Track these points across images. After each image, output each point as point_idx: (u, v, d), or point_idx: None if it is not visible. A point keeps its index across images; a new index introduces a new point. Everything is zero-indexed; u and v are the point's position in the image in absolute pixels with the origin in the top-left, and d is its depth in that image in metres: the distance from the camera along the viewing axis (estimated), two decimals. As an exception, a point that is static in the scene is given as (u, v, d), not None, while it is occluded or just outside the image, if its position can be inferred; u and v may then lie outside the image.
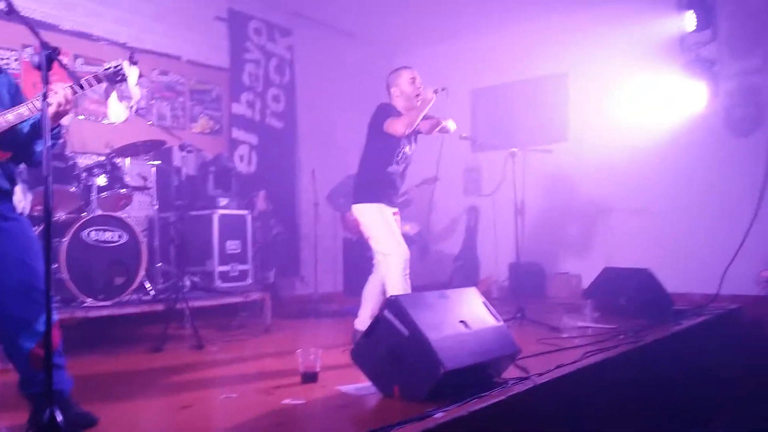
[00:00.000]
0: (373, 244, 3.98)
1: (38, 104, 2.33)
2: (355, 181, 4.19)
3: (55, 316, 2.34)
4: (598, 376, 3.26)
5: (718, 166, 6.24)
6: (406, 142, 4.03)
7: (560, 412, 2.96)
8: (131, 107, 2.56)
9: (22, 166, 2.65)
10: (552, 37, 7.31)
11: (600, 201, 7.00)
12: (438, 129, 4.19)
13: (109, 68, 2.51)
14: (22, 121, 2.35)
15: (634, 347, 3.71)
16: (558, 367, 3.09)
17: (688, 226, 6.37)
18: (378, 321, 2.73)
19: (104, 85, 2.52)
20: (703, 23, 5.22)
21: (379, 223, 3.94)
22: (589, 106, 7.15)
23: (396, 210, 4.11)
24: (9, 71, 2.66)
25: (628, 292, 4.89)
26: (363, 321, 3.98)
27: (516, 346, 2.99)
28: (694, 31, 5.27)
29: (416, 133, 4.09)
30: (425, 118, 4.01)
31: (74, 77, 2.34)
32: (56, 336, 2.34)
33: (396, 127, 3.85)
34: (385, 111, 3.99)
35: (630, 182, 6.70)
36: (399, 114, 3.99)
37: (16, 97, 2.51)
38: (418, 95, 4.01)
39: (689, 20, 5.22)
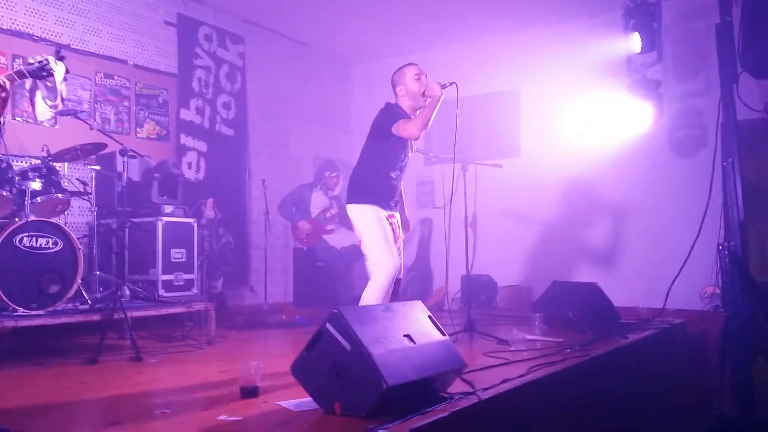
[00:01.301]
0: (364, 248, 3.77)
1: None
2: (352, 180, 3.94)
3: None
4: (543, 390, 3.25)
5: (663, 184, 6.41)
6: (408, 148, 3.88)
7: (505, 427, 2.93)
8: (56, 105, 2.43)
9: None
10: (505, 53, 7.42)
11: (550, 216, 7.09)
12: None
13: (34, 63, 2.39)
14: None
15: (579, 361, 3.72)
16: (504, 381, 3.06)
17: (636, 241, 6.51)
18: (320, 334, 2.64)
19: (29, 82, 2.40)
20: (649, 45, 5.32)
21: (374, 227, 3.73)
22: (540, 122, 7.26)
23: (393, 214, 3.91)
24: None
25: (576, 306, 4.93)
26: None
27: (462, 361, 2.95)
28: (639, 53, 5.37)
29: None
30: None
31: None
32: None
33: (411, 130, 3.66)
34: (393, 112, 3.79)
35: (579, 198, 6.82)
36: (405, 115, 3.81)
37: None
38: (424, 93, 3.81)
39: (635, 42, 5.31)
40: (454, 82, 3.76)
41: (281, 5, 6.84)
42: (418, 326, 2.90)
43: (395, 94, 3.93)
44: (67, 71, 2.58)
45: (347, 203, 3.91)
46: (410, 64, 3.96)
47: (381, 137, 3.81)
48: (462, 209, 5.23)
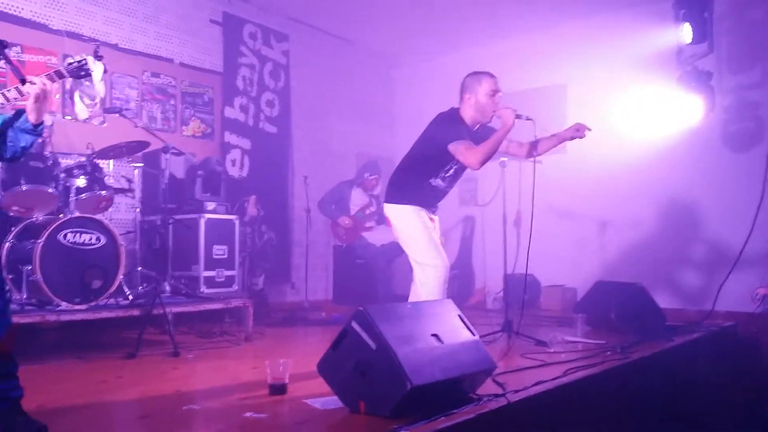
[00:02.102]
0: (407, 250, 3.62)
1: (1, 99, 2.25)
2: (391, 180, 3.80)
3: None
4: (579, 393, 3.15)
5: (714, 181, 6.14)
6: (456, 162, 3.63)
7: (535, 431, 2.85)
8: (95, 104, 2.47)
9: None
10: (551, 47, 7.25)
11: (596, 214, 6.89)
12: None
13: (72, 63, 2.43)
14: None
15: (619, 364, 3.60)
16: (537, 383, 2.98)
17: (684, 240, 6.27)
18: (345, 333, 2.63)
19: (69, 81, 2.44)
20: (700, 36, 5.13)
21: (416, 227, 3.57)
22: (588, 117, 6.99)
23: (432, 217, 3.76)
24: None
25: (619, 307, 4.77)
26: None
27: (492, 361, 2.88)
28: (690, 44, 5.17)
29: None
30: None
31: (17, 73, 2.24)
32: (9, 342, 2.24)
33: (471, 160, 3.43)
34: (455, 126, 3.56)
35: (626, 195, 6.61)
36: (465, 127, 3.60)
37: None
38: (494, 112, 3.59)
39: (686, 33, 5.12)
40: (531, 118, 3.55)
41: (325, 2, 6.86)
42: (447, 325, 2.85)
43: (461, 98, 3.71)
44: (105, 70, 2.63)
45: (385, 202, 3.79)
46: (489, 75, 3.71)
47: (433, 146, 3.61)
48: (505, 207, 5.13)
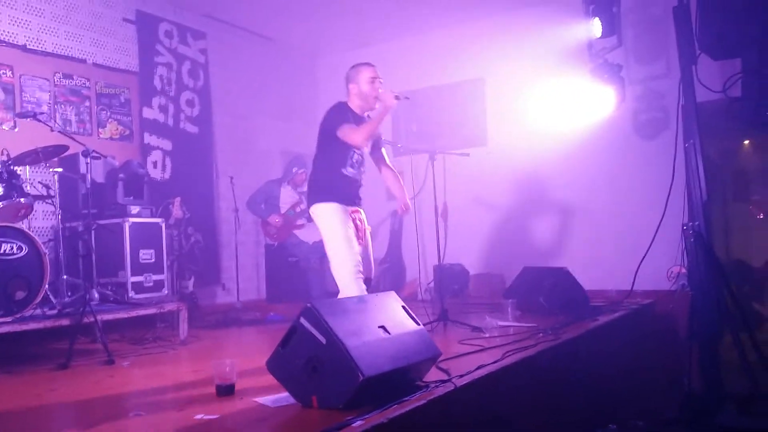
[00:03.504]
0: (327, 250, 3.74)
1: None
2: (309, 181, 3.98)
3: None
4: (518, 374, 3.29)
5: (628, 167, 6.51)
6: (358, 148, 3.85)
7: (482, 413, 2.96)
8: None
9: None
10: (468, 42, 7.45)
11: (519, 203, 7.16)
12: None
13: None
14: None
15: (552, 344, 3.77)
16: (479, 367, 3.09)
17: (604, 224, 6.61)
18: (294, 330, 2.64)
19: None
20: (609, 30, 5.37)
21: (335, 225, 3.70)
22: (506, 110, 7.31)
23: (356, 208, 3.87)
24: None
25: (547, 291, 5.00)
26: None
27: (436, 349, 2.97)
28: (600, 38, 5.43)
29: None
30: None
31: None
32: None
33: (354, 137, 3.66)
34: (340, 114, 3.77)
35: (546, 184, 6.90)
36: (353, 115, 3.79)
37: None
38: (376, 97, 3.80)
39: (596, 27, 5.37)
40: (408, 97, 3.77)
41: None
42: (393, 317, 2.91)
43: (347, 90, 3.92)
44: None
45: (309, 205, 3.90)
46: (367, 64, 3.92)
47: (328, 138, 3.82)
48: (432, 200, 5.24)
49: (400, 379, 2.74)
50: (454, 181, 6.53)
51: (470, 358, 3.44)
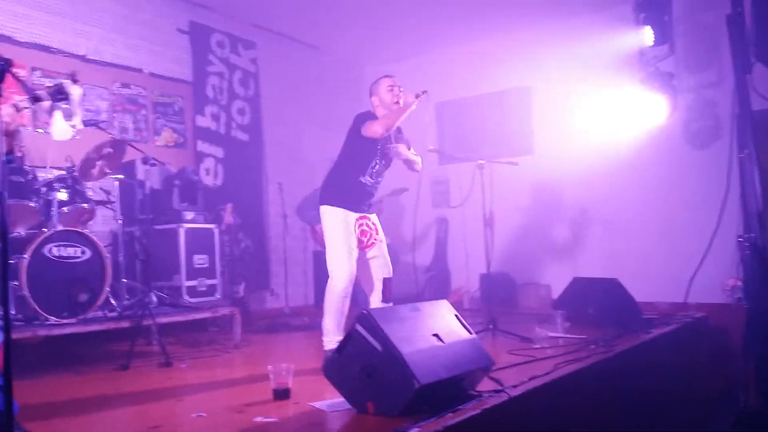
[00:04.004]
0: (326, 250, 3.84)
1: None
2: (323, 183, 4.09)
3: None
4: (571, 386, 3.28)
5: (680, 177, 6.39)
6: (380, 158, 3.95)
7: (535, 424, 2.96)
8: (75, 125, 2.49)
9: None
10: (515, 50, 7.43)
11: (567, 212, 7.10)
12: (405, 157, 4.06)
13: (51, 87, 2.46)
14: None
15: (605, 357, 3.74)
16: (532, 378, 3.10)
17: (655, 236, 6.51)
18: (350, 336, 2.69)
19: (48, 103, 2.45)
20: (661, 38, 5.32)
21: (337, 232, 3.79)
22: (553, 119, 7.27)
23: (363, 215, 3.94)
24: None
25: (597, 302, 4.94)
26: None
27: (489, 359, 2.98)
28: (652, 46, 5.37)
29: (390, 153, 3.99)
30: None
31: (27, 89, 2.27)
32: None
33: (374, 128, 3.77)
34: (365, 117, 3.91)
35: (596, 194, 6.82)
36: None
37: None
38: (397, 103, 3.91)
39: (647, 35, 5.32)
40: (425, 91, 3.82)
41: (290, 9, 6.88)
42: (445, 325, 2.94)
43: (371, 104, 4.04)
44: (84, 93, 2.67)
45: (319, 203, 3.98)
46: (386, 75, 4.08)
47: (352, 140, 3.94)
48: (477, 208, 5.24)
49: (453, 387, 2.76)
50: (500, 189, 6.51)
51: (521, 368, 3.44)
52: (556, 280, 6.48)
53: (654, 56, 5.64)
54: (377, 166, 3.96)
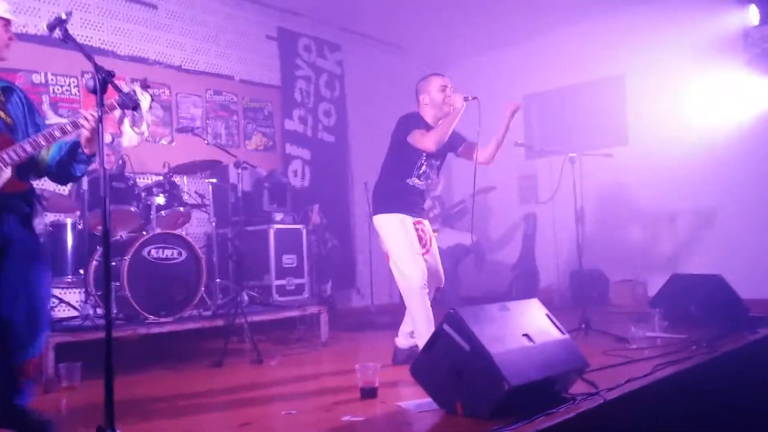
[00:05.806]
0: (390, 261, 3.73)
1: (57, 133, 2.41)
2: (373, 191, 4.01)
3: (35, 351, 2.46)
4: (671, 389, 3.10)
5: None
6: (430, 158, 3.83)
7: (632, 430, 2.82)
8: (143, 132, 2.57)
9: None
10: (606, 38, 7.14)
11: (664, 205, 6.74)
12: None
13: (122, 94, 2.53)
14: (40, 149, 2.44)
15: (708, 358, 3.52)
16: (628, 381, 2.95)
17: (760, 228, 6.08)
18: (438, 335, 2.66)
19: (118, 111, 2.53)
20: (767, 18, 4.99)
21: (399, 237, 3.69)
22: (649, 107, 6.93)
23: (420, 219, 3.86)
24: (20, 87, 2.71)
25: (699, 300, 4.67)
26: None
27: (583, 360, 2.87)
28: (758, 26, 5.03)
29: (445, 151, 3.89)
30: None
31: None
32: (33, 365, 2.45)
33: (425, 142, 3.64)
34: (410, 121, 3.79)
35: (695, 185, 6.44)
36: (425, 124, 3.80)
37: (29, 116, 2.59)
38: (448, 103, 3.77)
39: (753, 14, 4.98)
40: (475, 97, 3.66)
41: (373, 10, 6.91)
42: (536, 325, 2.86)
43: (418, 101, 3.92)
44: (153, 99, 2.73)
45: (372, 214, 3.91)
46: (436, 74, 3.94)
47: (397, 145, 3.83)
48: (566, 203, 5.06)
49: (545, 389, 2.67)
50: (591, 183, 6.27)
51: (617, 370, 3.29)
52: (652, 277, 6.18)
53: (761, 36, 5.31)
54: (424, 167, 3.85)
